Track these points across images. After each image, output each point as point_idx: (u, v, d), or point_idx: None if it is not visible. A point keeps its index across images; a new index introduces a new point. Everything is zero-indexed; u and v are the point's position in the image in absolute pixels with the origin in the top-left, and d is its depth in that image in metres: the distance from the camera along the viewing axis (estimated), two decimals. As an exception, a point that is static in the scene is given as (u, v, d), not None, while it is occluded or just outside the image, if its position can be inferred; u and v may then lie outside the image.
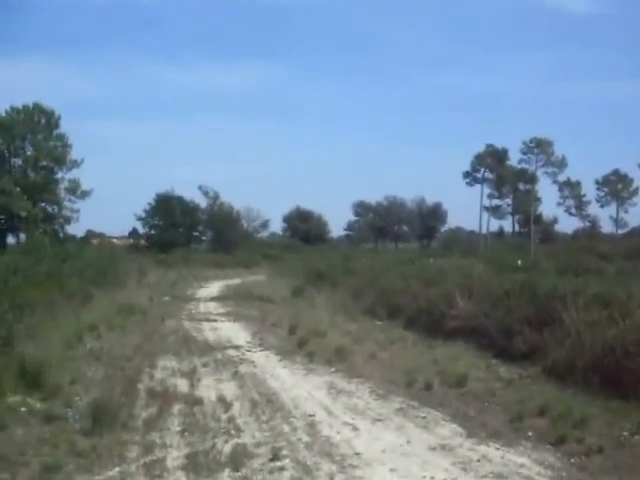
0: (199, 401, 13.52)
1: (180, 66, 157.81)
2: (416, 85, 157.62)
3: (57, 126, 67.12)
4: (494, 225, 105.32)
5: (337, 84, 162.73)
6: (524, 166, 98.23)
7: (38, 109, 66.19)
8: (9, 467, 9.44)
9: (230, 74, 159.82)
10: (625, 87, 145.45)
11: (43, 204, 66.32)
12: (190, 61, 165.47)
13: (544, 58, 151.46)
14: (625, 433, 10.76)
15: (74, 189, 67.83)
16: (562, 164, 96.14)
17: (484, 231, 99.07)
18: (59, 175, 67.61)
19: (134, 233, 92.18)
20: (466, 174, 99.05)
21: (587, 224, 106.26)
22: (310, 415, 12.45)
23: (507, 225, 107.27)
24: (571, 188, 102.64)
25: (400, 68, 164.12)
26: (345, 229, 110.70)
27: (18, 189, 61.30)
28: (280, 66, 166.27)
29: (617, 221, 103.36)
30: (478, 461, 9.84)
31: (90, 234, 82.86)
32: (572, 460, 9.83)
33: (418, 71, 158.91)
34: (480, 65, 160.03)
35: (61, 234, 64.36)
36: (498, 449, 10.42)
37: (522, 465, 9.66)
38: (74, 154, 68.00)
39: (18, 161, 66.08)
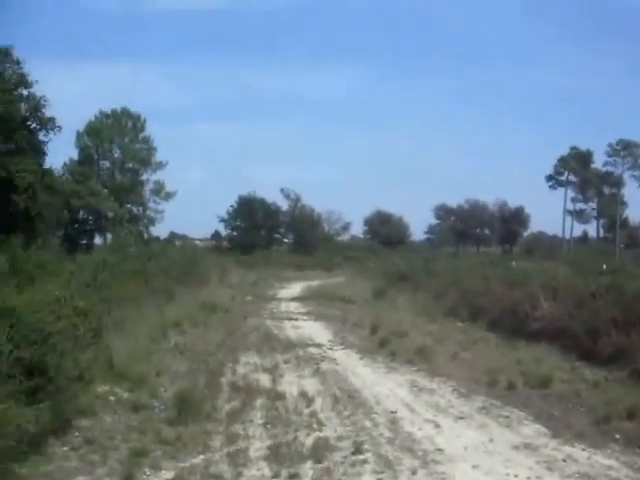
0: (281, 396, 13.66)
1: (260, 69, 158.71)
2: (498, 86, 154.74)
3: (143, 129, 68.57)
4: (578, 230, 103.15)
5: (418, 88, 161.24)
6: (610, 169, 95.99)
7: (125, 113, 67.81)
8: (100, 450, 9.77)
9: (312, 77, 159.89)
10: None
11: (129, 205, 67.79)
12: (271, 64, 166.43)
13: (627, 56, 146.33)
14: None
15: (159, 190, 69.14)
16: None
17: (567, 236, 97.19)
18: (144, 177, 69.12)
19: (216, 235, 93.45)
20: (549, 177, 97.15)
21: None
22: (392, 412, 12.45)
23: (591, 230, 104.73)
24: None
25: (482, 70, 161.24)
26: (426, 232, 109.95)
27: (106, 190, 62.71)
28: (362, 70, 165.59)
29: None
30: (564, 461, 9.66)
31: (173, 235, 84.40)
32: (662, 464, 9.57)
33: (500, 72, 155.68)
34: (564, 64, 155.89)
35: (145, 235, 65.70)
36: (584, 450, 10.21)
37: (610, 467, 9.45)
38: (158, 156, 69.42)
39: (106, 163, 67.76)
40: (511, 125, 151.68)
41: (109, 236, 61.10)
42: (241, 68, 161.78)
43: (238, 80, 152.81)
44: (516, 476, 8.98)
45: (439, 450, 10.15)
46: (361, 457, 9.79)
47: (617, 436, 10.85)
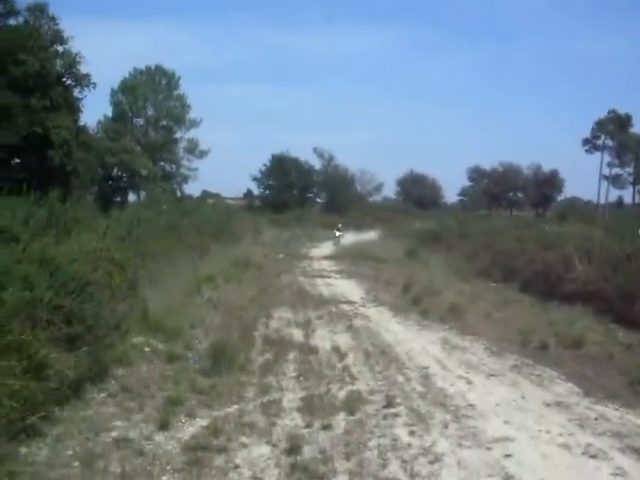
0: (314, 350, 13.78)
1: (293, 29, 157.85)
2: (537, 51, 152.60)
3: (177, 87, 68.66)
4: (613, 195, 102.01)
5: (455, 51, 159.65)
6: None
7: (159, 70, 67.87)
8: (136, 398, 9.93)
9: (346, 39, 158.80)
10: None
11: (162, 163, 68.13)
12: (306, 24, 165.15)
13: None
14: None
15: (192, 148, 69.40)
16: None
17: (602, 201, 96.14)
18: (178, 135, 69.32)
19: (249, 194, 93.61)
20: (585, 141, 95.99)
21: None
22: (424, 367, 12.53)
23: (627, 196, 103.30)
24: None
25: (519, 36, 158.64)
26: (459, 195, 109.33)
27: (139, 148, 62.98)
28: (397, 32, 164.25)
29: None
30: (595, 419, 9.67)
31: (206, 194, 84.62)
32: (698, 424, 9.54)
33: (537, 38, 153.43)
34: (602, 28, 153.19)
35: (178, 193, 66.08)
36: (617, 410, 10.20)
37: (642, 426, 9.45)
38: (192, 115, 69.47)
39: (140, 121, 68.10)
40: (549, 90, 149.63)
41: (143, 194, 61.48)
42: (273, 28, 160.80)
43: (270, 40, 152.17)
44: (548, 432, 9.01)
45: (471, 405, 10.20)
46: (393, 410, 9.88)
47: (650, 397, 10.84)
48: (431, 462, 7.91)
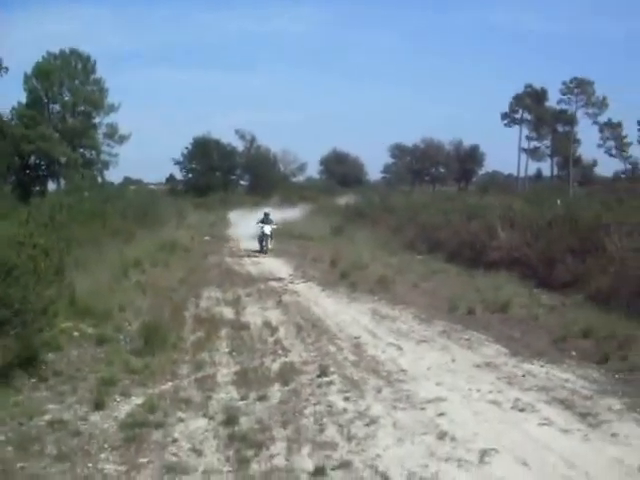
0: (245, 326, 13.83)
1: (214, 10, 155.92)
2: (453, 27, 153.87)
3: (93, 71, 66.87)
4: (532, 168, 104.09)
5: (375, 30, 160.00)
6: (564, 107, 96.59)
7: (74, 54, 66.17)
8: (68, 381, 9.84)
9: (274, 20, 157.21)
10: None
11: (82, 149, 66.62)
12: (234, 5, 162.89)
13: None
14: (669, 352, 10.82)
15: (112, 134, 67.86)
16: (603, 105, 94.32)
17: (522, 174, 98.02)
18: (97, 120, 67.84)
19: (171, 179, 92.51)
20: (504, 115, 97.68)
21: (628, 166, 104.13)
22: (355, 337, 12.71)
23: (545, 168, 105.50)
24: (612, 129, 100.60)
25: (434, 13, 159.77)
26: (382, 172, 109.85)
27: (57, 135, 61.49)
28: (320, 13, 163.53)
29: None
30: (523, 376, 10.00)
31: (127, 180, 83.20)
32: (616, 376, 9.95)
33: (453, 15, 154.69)
34: (519, 3, 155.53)
35: (100, 179, 64.74)
36: (542, 366, 10.57)
37: (566, 380, 9.79)
38: (111, 99, 68.11)
39: (56, 107, 66.31)
40: (467, 66, 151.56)
41: (63, 182, 60.12)
42: (201, 13, 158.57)
43: (196, 23, 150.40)
44: (478, 391, 9.28)
45: (403, 371, 10.41)
46: (327, 379, 10.02)
47: (573, 353, 11.25)
48: (367, 424, 8.07)
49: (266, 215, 29.67)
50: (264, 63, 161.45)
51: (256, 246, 28.84)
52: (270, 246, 28.43)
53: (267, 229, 28.78)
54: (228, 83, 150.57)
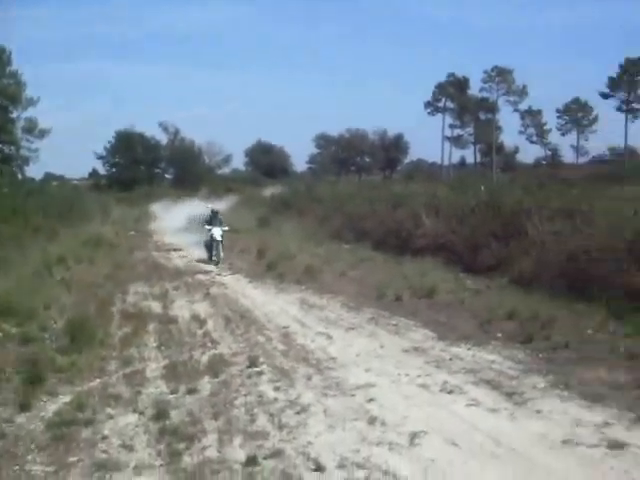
0: (173, 320, 13.73)
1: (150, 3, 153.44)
2: (378, 18, 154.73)
3: (9, 63, 65.33)
4: (456, 156, 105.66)
5: (303, 23, 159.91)
6: (485, 95, 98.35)
7: (-11, 46, 64.47)
8: (-10, 382, 9.58)
9: (200, 14, 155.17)
10: (586, 12, 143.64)
11: (0, 145, 65.01)
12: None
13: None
14: (589, 331, 11.17)
15: (31, 128, 66.29)
16: (523, 93, 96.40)
17: (446, 162, 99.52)
18: (14, 114, 66.12)
19: (94, 174, 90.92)
20: (427, 104, 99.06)
21: (548, 152, 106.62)
22: (284, 327, 12.75)
23: (469, 155, 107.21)
24: (532, 117, 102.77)
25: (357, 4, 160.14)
26: (308, 162, 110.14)
27: (-28, 130, 59.86)
28: (246, 6, 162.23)
29: (578, 149, 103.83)
30: (450, 360, 10.18)
31: (49, 176, 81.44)
32: (540, 355, 10.21)
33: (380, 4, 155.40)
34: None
35: (20, 175, 63.25)
36: (469, 349, 10.78)
37: (493, 361, 10.01)
38: (29, 93, 66.45)
39: (-30, 101, 64.54)
40: (391, 57, 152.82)
41: (-22, 179, 58.50)
42: (130, 6, 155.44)
43: (124, 15, 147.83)
44: (407, 375, 9.41)
45: (332, 358, 10.49)
46: (257, 369, 10.02)
47: (499, 335, 11.49)
48: (298, 413, 8.11)
49: (214, 214, 23.43)
50: (194, 57, 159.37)
51: (183, 240, 28.51)
52: (222, 254, 22.18)
53: (217, 233, 22.26)
54: (154, 77, 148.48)
